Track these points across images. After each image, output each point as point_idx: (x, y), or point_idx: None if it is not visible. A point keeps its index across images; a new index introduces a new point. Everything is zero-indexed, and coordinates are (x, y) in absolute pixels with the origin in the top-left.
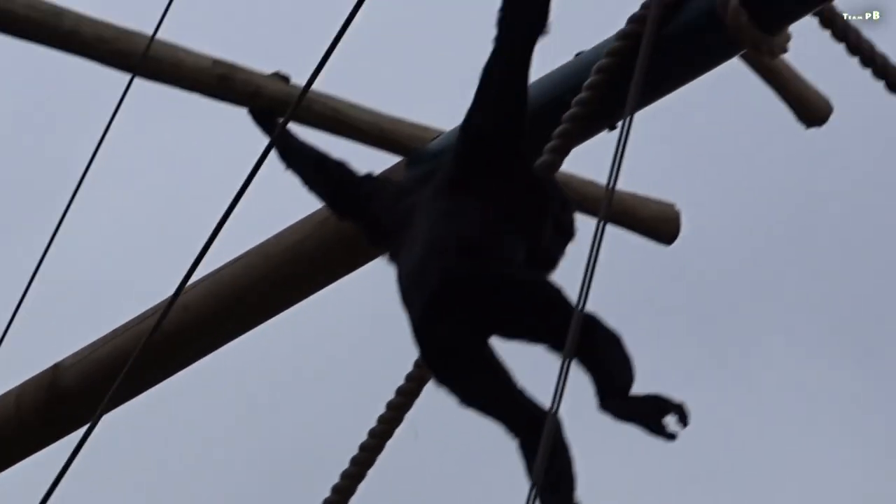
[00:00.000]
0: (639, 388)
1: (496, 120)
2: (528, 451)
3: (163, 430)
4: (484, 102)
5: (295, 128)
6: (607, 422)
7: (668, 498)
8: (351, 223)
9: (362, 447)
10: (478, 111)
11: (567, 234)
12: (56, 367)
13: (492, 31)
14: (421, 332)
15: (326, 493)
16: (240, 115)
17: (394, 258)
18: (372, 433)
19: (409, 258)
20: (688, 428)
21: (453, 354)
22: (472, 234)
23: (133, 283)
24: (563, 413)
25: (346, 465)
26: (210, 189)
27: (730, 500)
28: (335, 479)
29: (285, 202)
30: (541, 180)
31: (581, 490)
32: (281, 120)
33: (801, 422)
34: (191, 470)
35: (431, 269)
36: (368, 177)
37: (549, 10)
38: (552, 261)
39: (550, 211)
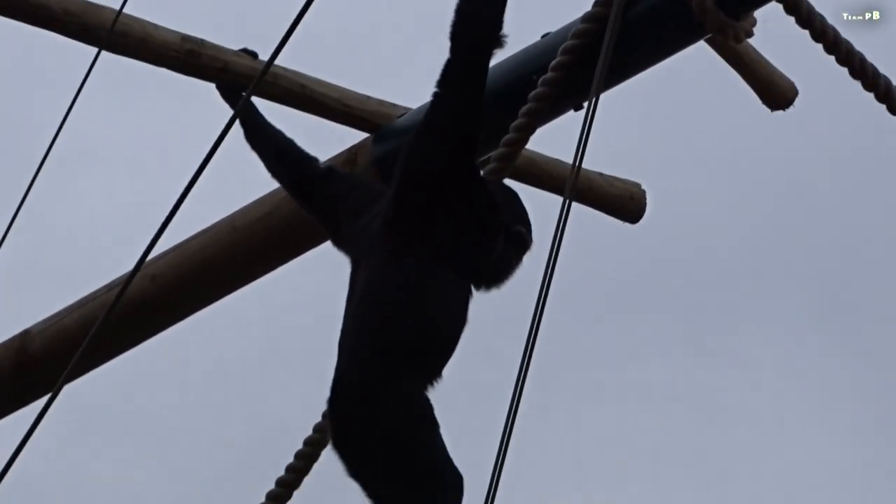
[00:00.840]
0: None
1: (452, 130)
2: None
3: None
4: (440, 111)
5: (263, 105)
6: (597, 398)
7: (652, 473)
8: (308, 214)
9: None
10: (433, 122)
11: (520, 244)
12: (26, 332)
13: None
14: (330, 398)
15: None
16: (208, 90)
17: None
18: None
19: (349, 305)
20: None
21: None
22: (397, 306)
23: (105, 252)
24: None
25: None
26: (179, 163)
27: (713, 475)
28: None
29: (254, 176)
30: (491, 192)
31: (571, 465)
32: (246, 94)
33: (781, 398)
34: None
35: (352, 350)
36: (330, 172)
37: (502, 22)
38: (504, 273)
39: (501, 222)
